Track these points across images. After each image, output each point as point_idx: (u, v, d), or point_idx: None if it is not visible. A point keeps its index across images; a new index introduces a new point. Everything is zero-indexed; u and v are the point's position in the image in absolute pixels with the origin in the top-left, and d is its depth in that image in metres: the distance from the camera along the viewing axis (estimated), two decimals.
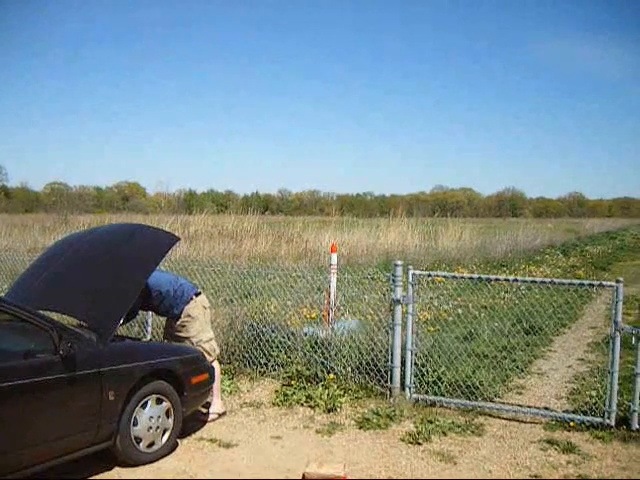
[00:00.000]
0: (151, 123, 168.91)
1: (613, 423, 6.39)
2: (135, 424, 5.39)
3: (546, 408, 7.06)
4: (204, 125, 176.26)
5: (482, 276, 7.28)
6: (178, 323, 6.69)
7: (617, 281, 6.40)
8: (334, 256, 8.99)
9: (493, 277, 7.58)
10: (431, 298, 11.53)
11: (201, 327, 6.73)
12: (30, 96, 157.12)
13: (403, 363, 7.28)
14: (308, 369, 7.71)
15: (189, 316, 6.66)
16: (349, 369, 7.68)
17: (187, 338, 6.67)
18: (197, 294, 6.82)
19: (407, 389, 7.24)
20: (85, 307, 5.64)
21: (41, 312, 5.14)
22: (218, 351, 7.09)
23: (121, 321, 5.79)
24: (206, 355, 6.53)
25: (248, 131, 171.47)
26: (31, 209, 69.03)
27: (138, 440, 5.43)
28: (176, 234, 7.25)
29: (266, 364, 8.13)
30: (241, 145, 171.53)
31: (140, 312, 7.27)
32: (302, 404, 7.18)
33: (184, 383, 5.87)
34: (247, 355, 8.27)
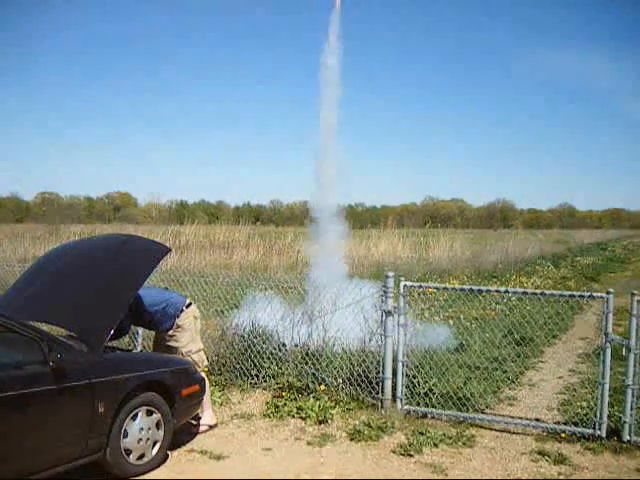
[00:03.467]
0: (143, 133, 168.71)
1: (604, 434, 6.40)
2: (125, 436, 5.37)
3: (537, 419, 7.06)
4: (195, 135, 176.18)
5: (473, 287, 7.29)
6: (169, 334, 6.70)
7: (607, 292, 6.43)
8: None
9: (484, 288, 7.60)
10: (422, 309, 11.54)
11: (191, 337, 6.73)
12: (22, 105, 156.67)
13: (394, 374, 7.27)
14: (299, 380, 7.69)
15: (179, 327, 6.67)
16: (340, 380, 7.67)
17: (177, 348, 6.67)
18: (188, 305, 6.82)
19: (398, 400, 7.23)
20: (75, 318, 5.62)
21: (31, 323, 5.12)
22: (207, 362, 7.09)
23: (112, 332, 5.76)
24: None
25: (239, 141, 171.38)
26: (21, 218, 68.80)
27: (128, 452, 5.40)
28: (167, 245, 7.24)
29: (257, 375, 8.11)
30: (233, 155, 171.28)
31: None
32: (293, 415, 7.16)
33: (174, 394, 5.85)
34: (238, 366, 8.24)
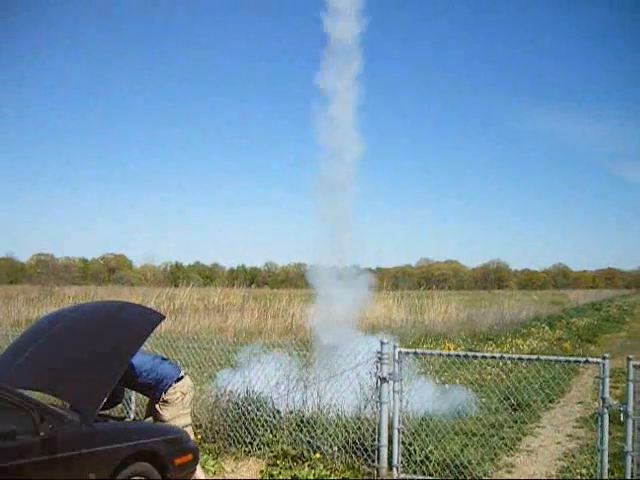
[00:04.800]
0: (138, 195, 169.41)
1: None
2: None
3: None
4: (191, 197, 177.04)
5: (468, 354, 7.29)
6: (157, 406, 6.66)
7: (603, 358, 6.40)
8: None
9: (479, 354, 7.58)
10: (418, 373, 11.47)
11: (177, 412, 6.66)
12: (16, 166, 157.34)
13: (390, 442, 7.17)
14: (294, 448, 7.59)
15: (165, 401, 6.63)
16: (335, 448, 7.56)
17: (163, 421, 6.61)
18: (178, 379, 6.76)
19: (395, 469, 7.13)
20: (68, 387, 5.57)
21: (23, 392, 5.07)
22: (192, 437, 6.99)
23: (104, 400, 5.71)
24: None
25: (235, 203, 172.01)
26: (16, 280, 68.64)
27: None
28: (161, 312, 7.24)
29: (251, 443, 7.99)
30: (228, 217, 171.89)
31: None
32: None
33: (167, 464, 5.75)
34: (232, 434, 8.12)
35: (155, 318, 6.49)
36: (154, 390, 6.66)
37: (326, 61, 11.59)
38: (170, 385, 6.66)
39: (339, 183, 11.47)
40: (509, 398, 10.21)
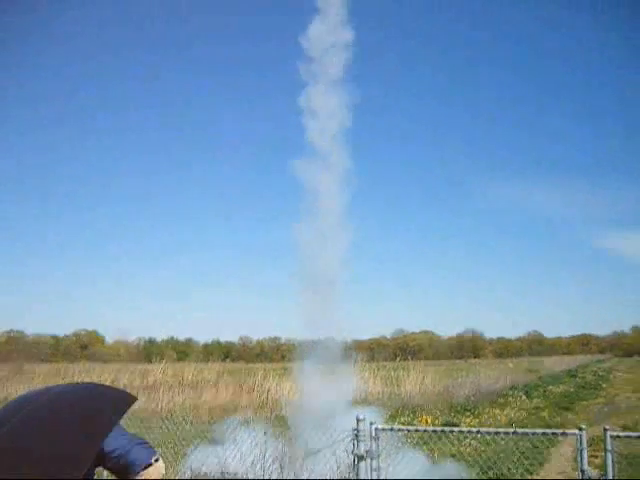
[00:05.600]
0: (111, 269, 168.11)
1: None
2: None
3: None
4: (164, 271, 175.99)
5: (445, 428, 7.22)
6: None
7: (579, 429, 6.38)
8: None
9: (456, 429, 7.53)
10: (397, 447, 11.32)
11: None
12: None
13: None
14: None
15: None
16: None
17: None
18: (146, 467, 6.61)
19: None
20: (36, 471, 5.42)
21: None
22: None
23: None
24: None
25: (209, 277, 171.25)
26: None
27: None
28: (134, 389, 7.13)
29: None
30: (202, 291, 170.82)
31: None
32: None
33: None
34: None
35: (128, 399, 6.37)
36: (123, 475, 6.51)
37: (306, 155, 11.82)
38: (137, 472, 6.50)
39: (322, 275, 11.56)
40: (487, 472, 10.08)
